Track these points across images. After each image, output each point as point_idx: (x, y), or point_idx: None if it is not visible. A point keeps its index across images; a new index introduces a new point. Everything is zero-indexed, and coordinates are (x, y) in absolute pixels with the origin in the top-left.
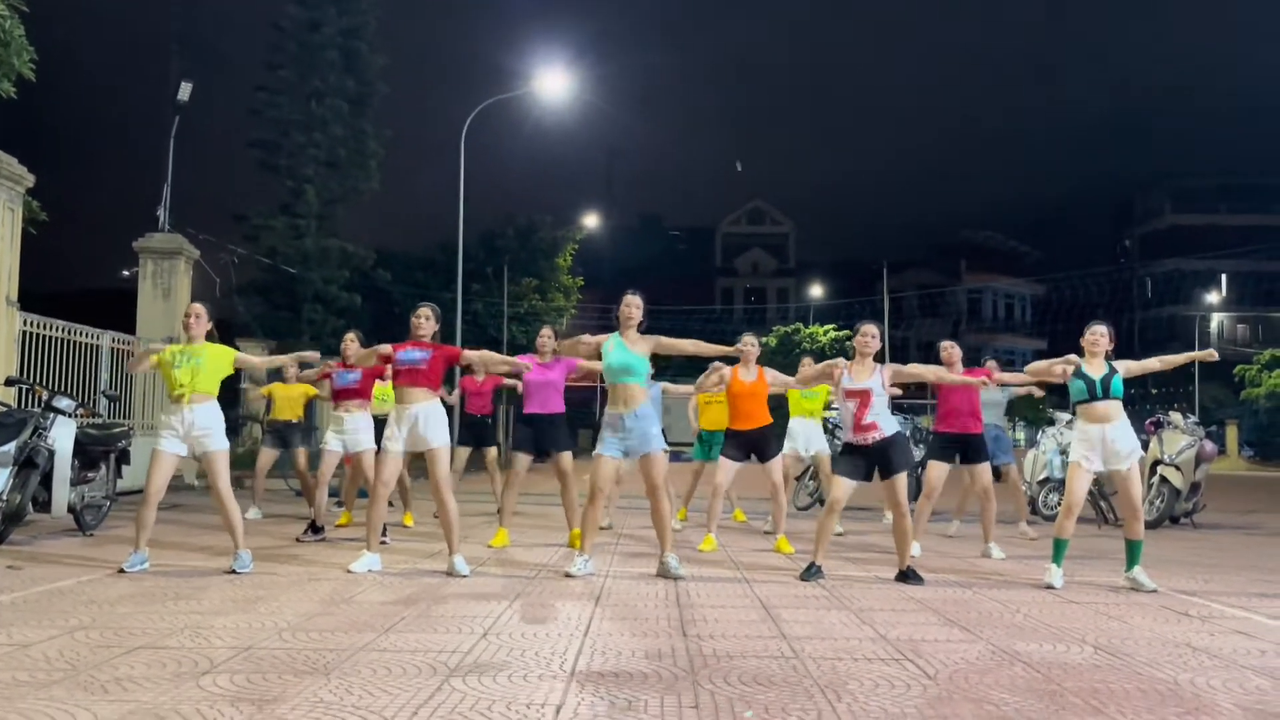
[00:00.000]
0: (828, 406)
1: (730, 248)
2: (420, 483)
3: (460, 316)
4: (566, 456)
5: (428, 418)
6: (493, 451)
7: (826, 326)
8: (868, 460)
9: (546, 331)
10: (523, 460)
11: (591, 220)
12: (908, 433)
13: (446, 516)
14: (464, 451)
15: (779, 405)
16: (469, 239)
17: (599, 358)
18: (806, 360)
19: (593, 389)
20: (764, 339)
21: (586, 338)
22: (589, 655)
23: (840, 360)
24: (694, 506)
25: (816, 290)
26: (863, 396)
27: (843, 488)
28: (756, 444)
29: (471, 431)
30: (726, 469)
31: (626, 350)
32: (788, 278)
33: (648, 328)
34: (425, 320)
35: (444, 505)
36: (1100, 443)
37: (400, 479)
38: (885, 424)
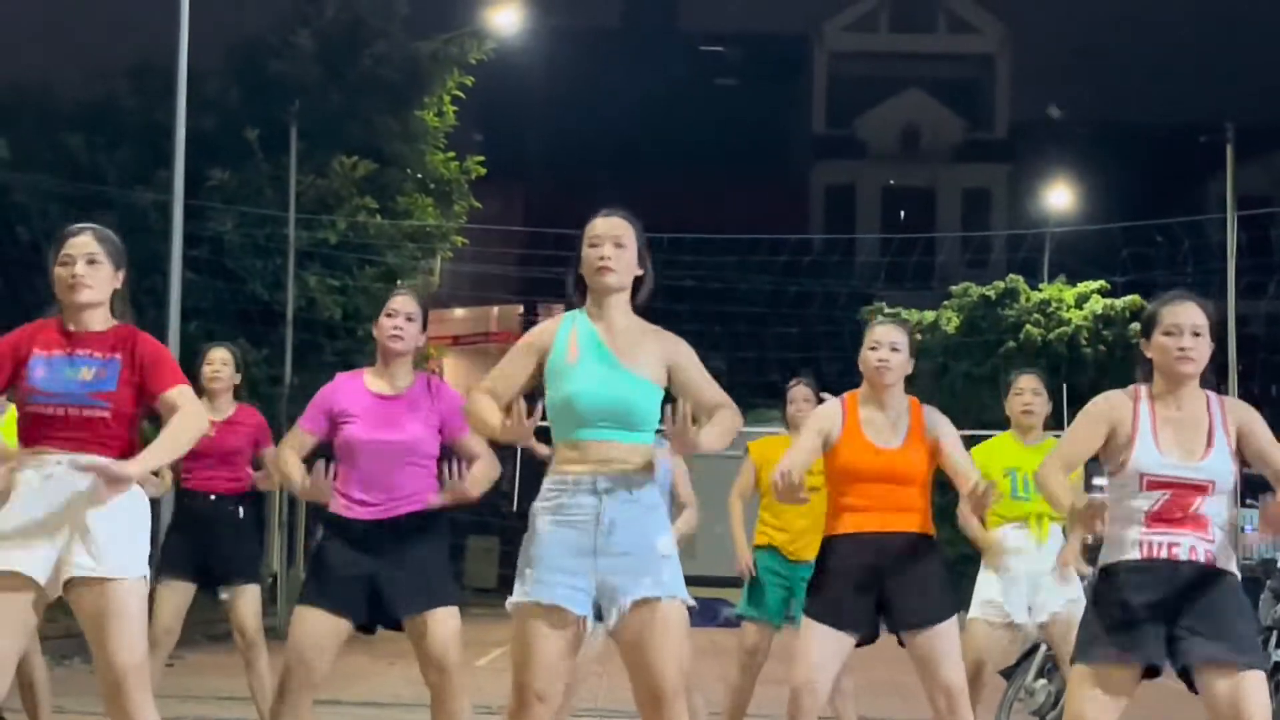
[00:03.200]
0: (1087, 486)
1: (847, 86)
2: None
3: (178, 249)
4: (443, 619)
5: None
6: (248, 599)
7: (1086, 285)
8: (1165, 615)
9: (404, 302)
10: (320, 629)
11: (510, 18)
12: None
13: None
14: (175, 595)
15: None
16: (204, 52)
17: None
18: (1028, 380)
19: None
20: (926, 314)
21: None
22: None
23: (1111, 398)
24: None
25: (1058, 195)
26: (1190, 490)
27: (1095, 705)
28: (894, 565)
29: (190, 540)
30: (821, 650)
31: (614, 364)
32: (989, 163)
33: (649, 306)
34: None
35: None
36: None
37: (29, 669)
38: (1220, 536)
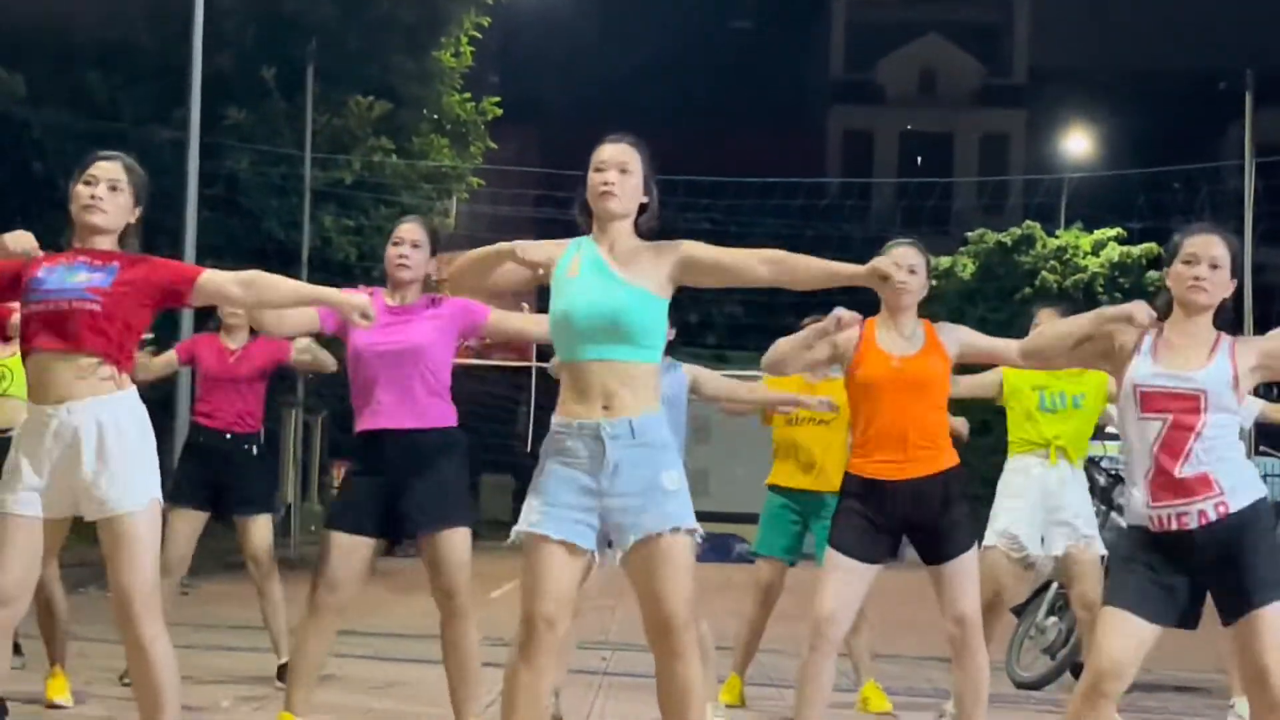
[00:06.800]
0: (1100, 433)
1: (865, 30)
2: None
3: (194, 187)
4: (456, 540)
5: (94, 436)
6: (261, 528)
7: (1102, 232)
8: (1188, 572)
9: (410, 230)
10: (346, 551)
11: None
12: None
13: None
14: (187, 523)
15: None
16: None
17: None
18: (1046, 314)
19: (521, 372)
20: (942, 260)
21: (519, 247)
22: None
23: (1128, 309)
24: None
25: (1076, 142)
26: (1183, 404)
27: (1121, 645)
28: (918, 512)
29: (203, 471)
30: (843, 581)
31: (611, 276)
32: (1008, 108)
33: (662, 230)
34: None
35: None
36: None
37: (48, 595)
38: (1229, 476)
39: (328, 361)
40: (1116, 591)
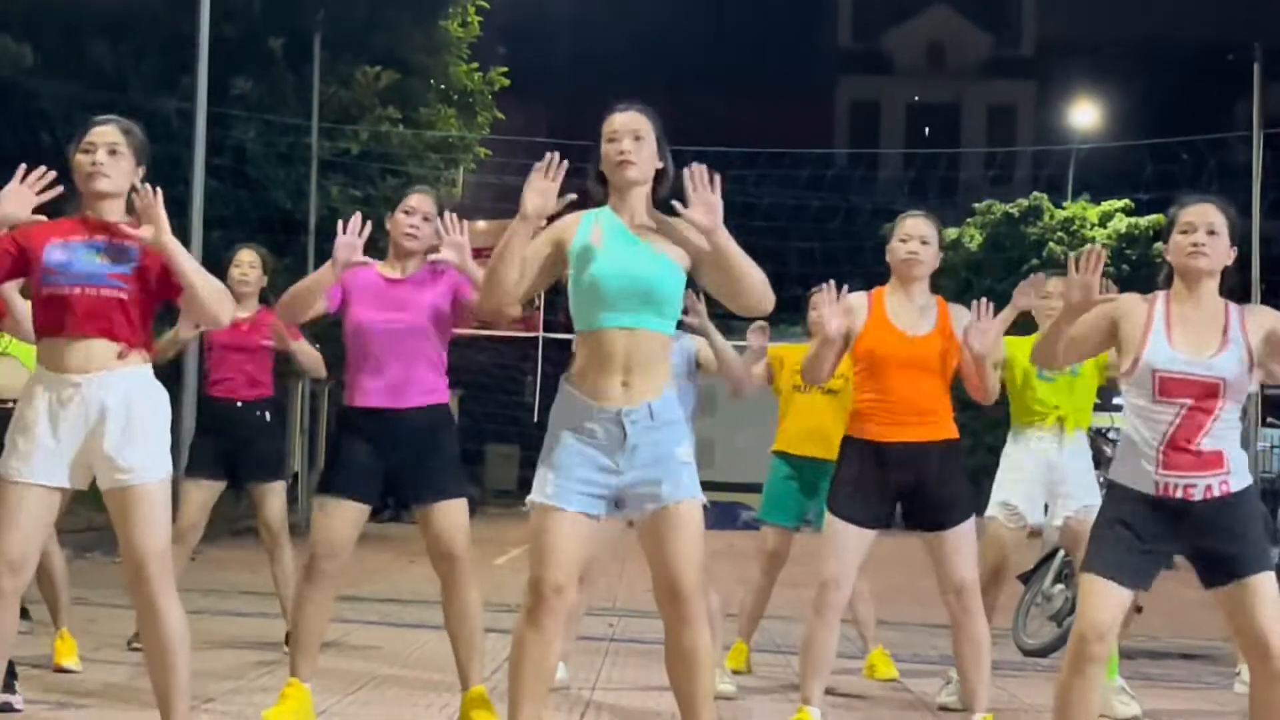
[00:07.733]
0: (1108, 404)
1: (872, 4)
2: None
3: (201, 157)
4: (453, 510)
5: (120, 408)
6: (274, 495)
7: (1110, 203)
8: (1174, 537)
9: (422, 201)
10: (342, 517)
11: None
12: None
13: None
14: (201, 491)
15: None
16: None
17: (552, 271)
18: (1057, 283)
19: (527, 342)
20: (950, 231)
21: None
22: None
23: (1124, 297)
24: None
25: (1084, 113)
26: (1202, 390)
27: (1102, 609)
28: (915, 476)
29: (218, 441)
30: (845, 546)
31: (638, 244)
32: (1015, 79)
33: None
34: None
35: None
36: None
37: (46, 560)
38: (1235, 460)
39: (319, 367)
40: (1096, 558)
